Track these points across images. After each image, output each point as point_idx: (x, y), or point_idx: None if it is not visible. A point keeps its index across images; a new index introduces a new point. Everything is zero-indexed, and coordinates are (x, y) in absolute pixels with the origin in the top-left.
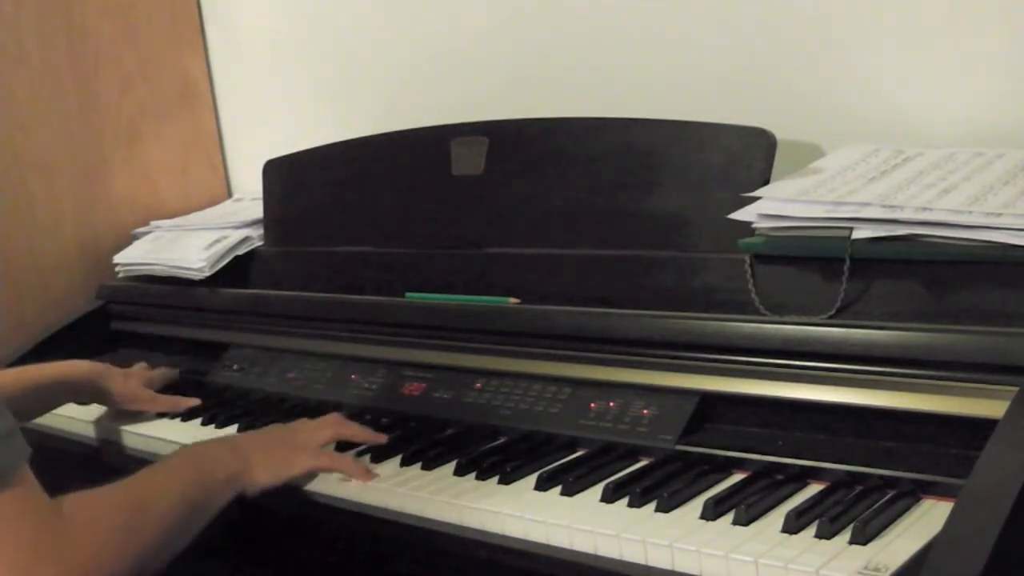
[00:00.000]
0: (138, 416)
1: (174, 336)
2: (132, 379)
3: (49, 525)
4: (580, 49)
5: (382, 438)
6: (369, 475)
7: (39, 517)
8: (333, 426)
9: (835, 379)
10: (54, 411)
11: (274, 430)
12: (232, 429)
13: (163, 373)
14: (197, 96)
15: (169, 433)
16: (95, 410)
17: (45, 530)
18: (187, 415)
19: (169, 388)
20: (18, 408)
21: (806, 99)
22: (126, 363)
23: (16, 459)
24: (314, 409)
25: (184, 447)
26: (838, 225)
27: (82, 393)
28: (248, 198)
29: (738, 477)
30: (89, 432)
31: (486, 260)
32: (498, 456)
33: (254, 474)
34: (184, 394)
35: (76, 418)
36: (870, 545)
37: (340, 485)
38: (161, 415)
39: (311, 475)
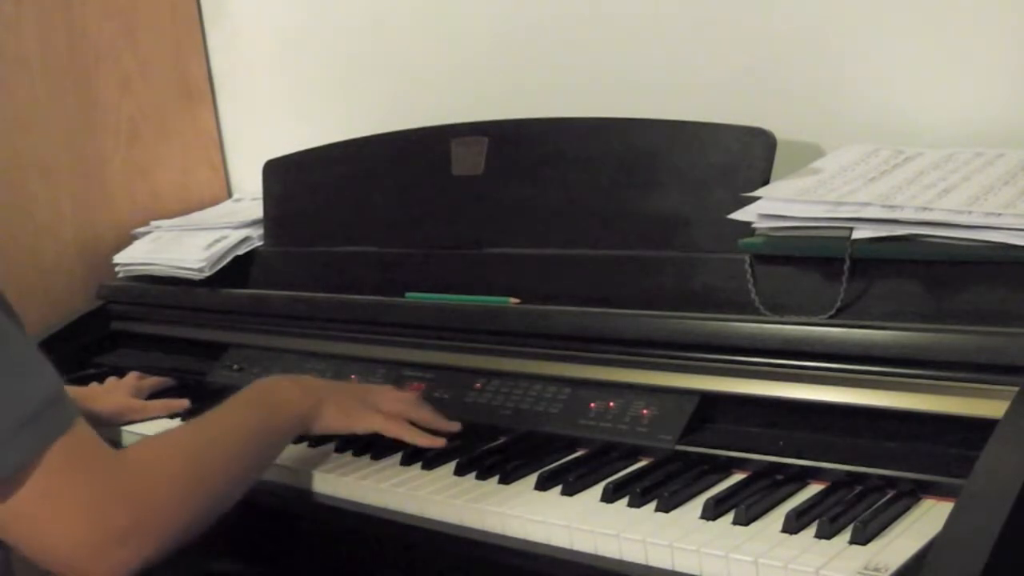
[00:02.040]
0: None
1: (174, 336)
2: (116, 393)
3: (116, 471)
4: (580, 49)
5: (452, 427)
6: (437, 440)
7: (105, 463)
8: (409, 403)
9: (835, 379)
10: None
11: (349, 384)
12: None
13: (152, 382)
14: (197, 96)
15: None
16: None
17: (112, 476)
18: (187, 416)
19: (165, 393)
20: None
21: (806, 99)
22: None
23: (75, 415)
24: None
25: (254, 383)
26: (838, 225)
27: None
28: (248, 198)
29: (738, 477)
30: None
31: (486, 260)
32: (498, 456)
33: (321, 415)
34: (184, 395)
35: None
36: (870, 545)
37: (339, 484)
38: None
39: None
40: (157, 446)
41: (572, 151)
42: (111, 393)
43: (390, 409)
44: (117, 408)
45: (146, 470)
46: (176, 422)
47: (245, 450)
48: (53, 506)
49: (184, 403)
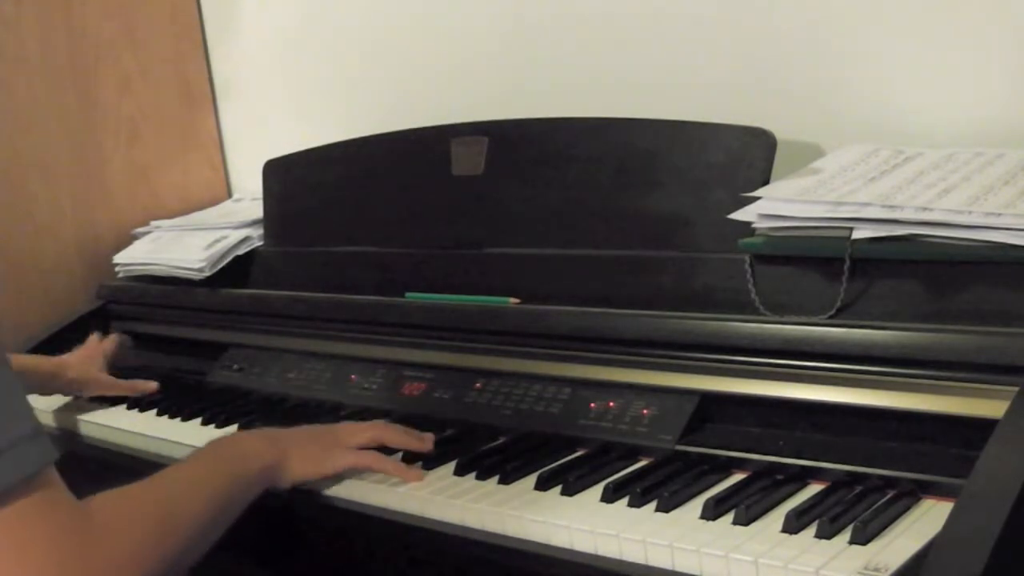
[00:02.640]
0: (137, 414)
1: (174, 336)
2: (88, 364)
3: (77, 529)
4: (580, 49)
5: (425, 445)
6: (414, 475)
7: (67, 521)
8: (376, 428)
9: (835, 379)
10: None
11: (314, 427)
12: (232, 429)
13: (113, 340)
14: (197, 96)
15: (169, 432)
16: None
17: (73, 535)
18: (188, 415)
19: (135, 372)
20: None
21: (806, 99)
22: (120, 366)
23: (42, 461)
24: (314, 409)
25: (217, 438)
26: (838, 225)
27: (39, 388)
28: (248, 198)
29: (738, 477)
30: (92, 432)
31: (486, 260)
32: (498, 456)
33: (290, 466)
34: (184, 395)
35: (88, 420)
36: (870, 545)
37: (339, 484)
38: (161, 412)
39: (350, 473)
40: (122, 502)
41: (572, 151)
42: (83, 363)
43: (359, 443)
44: (86, 380)
45: (110, 527)
46: (176, 421)
47: (210, 505)
48: (13, 553)
49: (153, 386)
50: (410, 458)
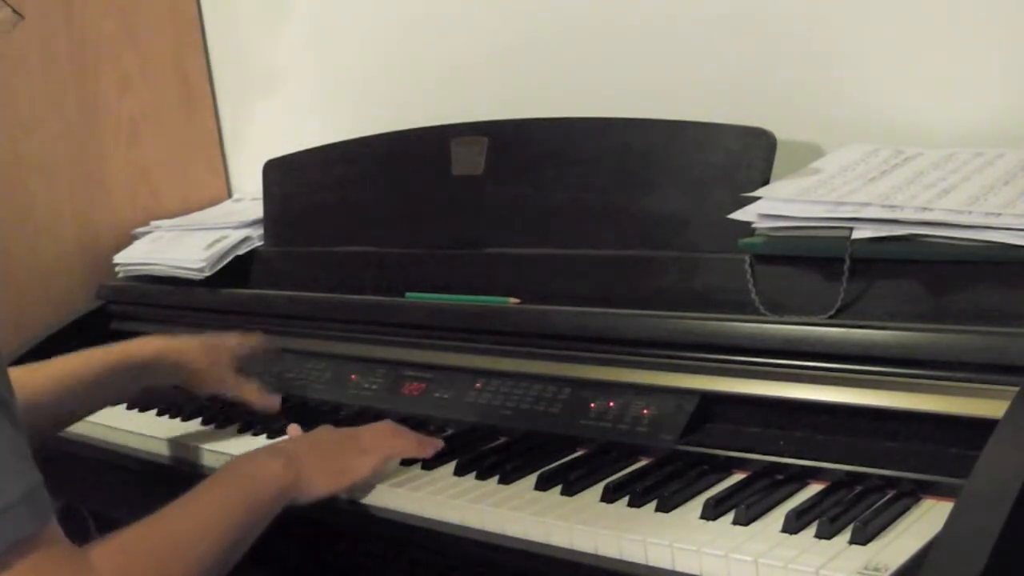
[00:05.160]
0: (137, 413)
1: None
2: (220, 357)
3: None
4: (580, 49)
5: (433, 448)
6: (430, 448)
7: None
8: (388, 437)
9: (835, 379)
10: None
11: (325, 437)
12: (232, 429)
13: (256, 343)
14: (197, 96)
15: (168, 432)
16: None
17: None
18: (188, 415)
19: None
20: (58, 410)
21: (806, 99)
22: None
23: (43, 518)
24: (314, 409)
25: (229, 462)
26: (838, 225)
27: (153, 376)
28: (248, 198)
29: (738, 477)
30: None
31: (486, 260)
32: (498, 456)
33: (308, 484)
34: (184, 395)
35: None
36: (870, 545)
37: None
38: (161, 412)
39: (366, 482)
40: (124, 548)
41: (572, 151)
42: (212, 352)
43: (375, 448)
44: (216, 378)
45: None
46: (176, 421)
47: (221, 538)
48: None
49: (277, 404)
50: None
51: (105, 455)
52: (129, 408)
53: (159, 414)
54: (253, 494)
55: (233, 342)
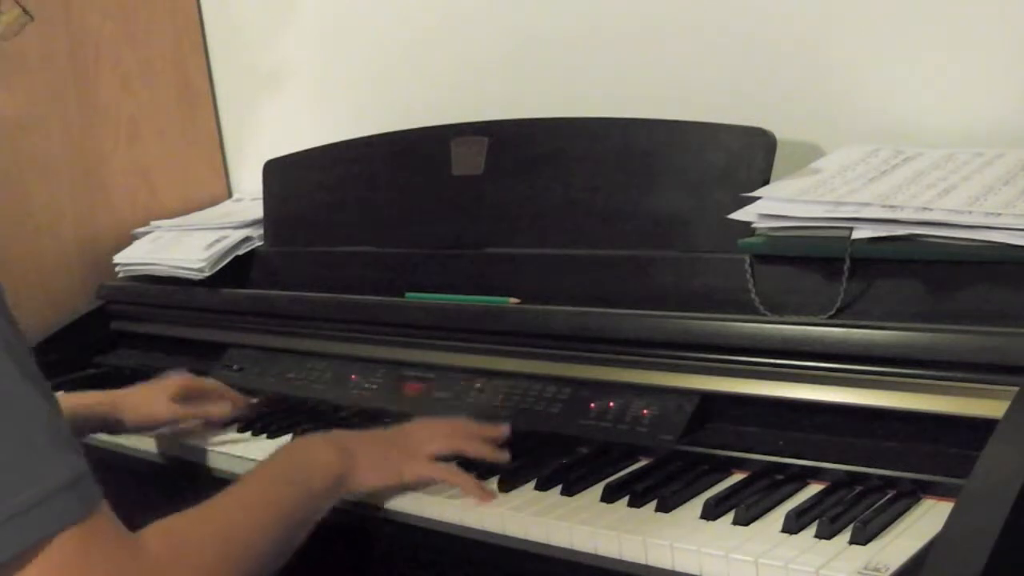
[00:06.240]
0: None
1: (174, 336)
2: (148, 401)
3: (131, 569)
4: (580, 49)
5: (502, 456)
6: (488, 495)
7: (120, 561)
8: (453, 438)
9: (835, 379)
10: None
11: (386, 432)
12: (231, 429)
13: (203, 383)
14: (197, 96)
15: (169, 433)
16: None
17: (127, 574)
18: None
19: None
20: None
21: (806, 99)
22: (121, 366)
23: (92, 502)
24: (314, 409)
25: (283, 447)
26: (838, 225)
27: (94, 428)
28: (248, 198)
29: (738, 477)
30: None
31: (486, 260)
32: None
33: (359, 476)
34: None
35: None
36: (870, 545)
37: None
38: None
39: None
40: (178, 534)
41: (572, 151)
42: (144, 401)
43: (433, 452)
44: (146, 418)
45: (165, 564)
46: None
47: (277, 527)
48: None
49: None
50: None
51: (105, 456)
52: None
53: None
54: (307, 484)
55: (169, 382)
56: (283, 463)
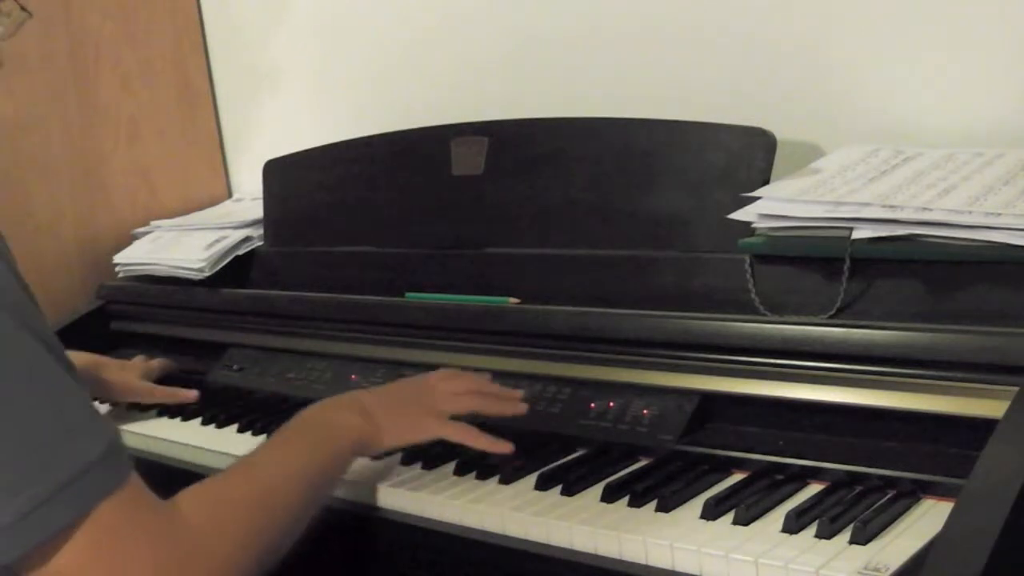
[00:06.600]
0: (137, 414)
1: (174, 336)
2: (128, 371)
3: (172, 531)
4: (580, 49)
5: (519, 408)
6: (505, 447)
7: (159, 522)
8: (471, 397)
9: (835, 379)
10: None
11: (405, 387)
12: (231, 429)
13: (161, 364)
14: (197, 96)
15: (168, 432)
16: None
17: (168, 536)
18: (187, 415)
19: (167, 381)
20: None
21: (806, 99)
22: (125, 358)
23: (125, 470)
24: None
25: (307, 409)
26: (838, 225)
27: None
28: (248, 198)
29: (738, 477)
30: None
31: (486, 260)
32: (498, 456)
33: (381, 436)
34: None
35: None
36: (870, 545)
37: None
38: (161, 413)
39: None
40: (213, 498)
41: (572, 151)
42: (123, 370)
43: (453, 408)
44: (128, 385)
45: (203, 528)
46: (176, 421)
47: (308, 488)
48: (107, 569)
49: (193, 395)
50: (411, 457)
51: None
52: (129, 408)
53: (159, 414)
54: (333, 445)
55: (139, 362)
56: (310, 427)
